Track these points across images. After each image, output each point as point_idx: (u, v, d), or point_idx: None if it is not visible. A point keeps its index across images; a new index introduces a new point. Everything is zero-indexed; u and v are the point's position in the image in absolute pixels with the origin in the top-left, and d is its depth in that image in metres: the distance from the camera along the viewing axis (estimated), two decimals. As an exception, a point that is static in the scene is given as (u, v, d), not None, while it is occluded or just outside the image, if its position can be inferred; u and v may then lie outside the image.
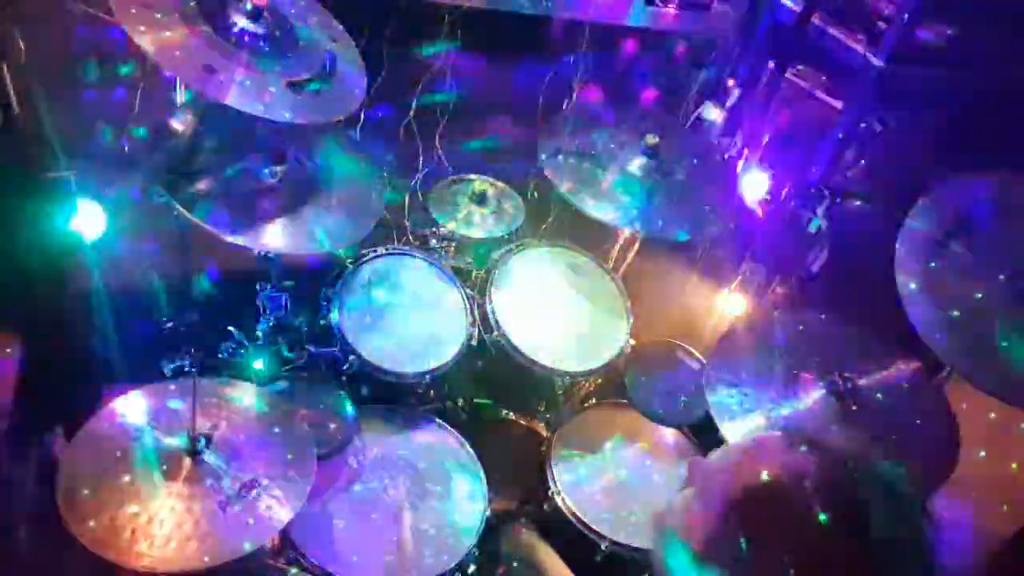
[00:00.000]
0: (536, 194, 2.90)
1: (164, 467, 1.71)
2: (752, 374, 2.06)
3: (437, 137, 3.07)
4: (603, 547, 2.24)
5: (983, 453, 2.36)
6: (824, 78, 2.81)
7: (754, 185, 2.87)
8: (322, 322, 2.36)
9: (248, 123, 1.99)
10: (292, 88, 1.97)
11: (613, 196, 2.40)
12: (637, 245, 2.79)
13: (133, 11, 1.80)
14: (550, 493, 2.34)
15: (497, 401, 2.62)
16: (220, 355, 2.49)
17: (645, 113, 3.02)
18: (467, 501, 2.24)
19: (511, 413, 2.61)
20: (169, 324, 2.59)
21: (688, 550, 0.91)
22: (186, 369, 2.44)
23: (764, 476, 0.90)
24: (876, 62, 2.56)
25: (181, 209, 1.97)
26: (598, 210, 2.36)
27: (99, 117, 2.52)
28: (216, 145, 2.11)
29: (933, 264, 1.89)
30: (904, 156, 2.75)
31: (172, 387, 1.89)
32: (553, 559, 2.20)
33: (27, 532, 2.09)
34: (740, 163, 2.99)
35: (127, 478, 1.68)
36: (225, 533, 1.65)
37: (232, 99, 1.84)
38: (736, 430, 1.94)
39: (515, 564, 2.21)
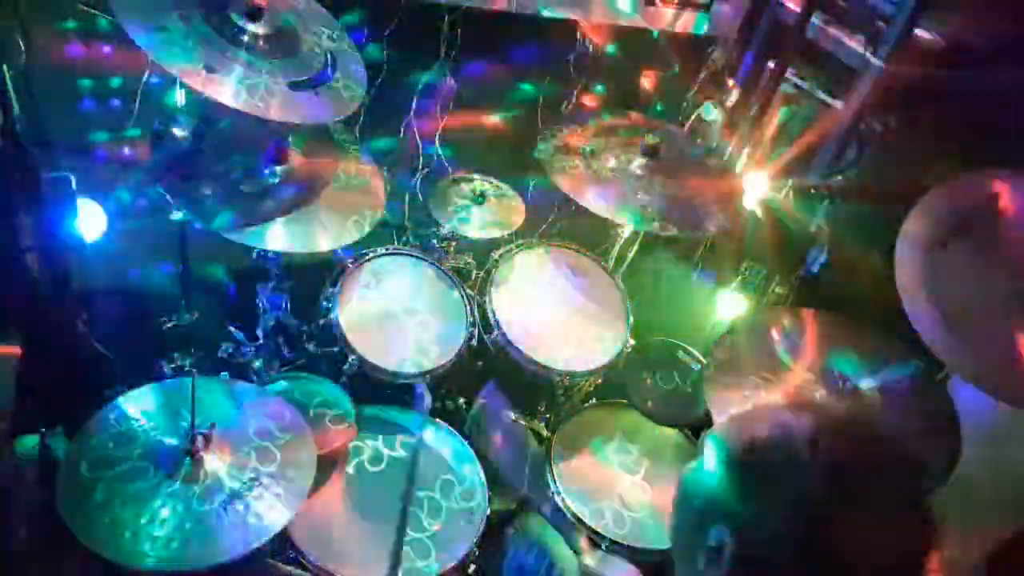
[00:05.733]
0: (536, 193, 2.90)
1: (164, 466, 1.71)
2: (752, 374, 2.06)
3: (437, 137, 3.07)
4: (603, 547, 2.24)
5: (983, 453, 2.36)
6: (824, 78, 2.81)
7: (754, 185, 2.88)
8: (322, 322, 2.36)
9: (248, 123, 1.99)
10: (292, 88, 1.97)
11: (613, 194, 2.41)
12: (637, 245, 2.79)
13: (133, 11, 1.80)
14: (550, 494, 2.34)
15: (497, 401, 2.62)
16: (220, 355, 2.49)
17: (645, 113, 3.03)
18: (467, 501, 2.24)
19: (511, 413, 2.60)
20: (169, 324, 2.59)
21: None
22: (186, 369, 2.44)
23: (760, 433, 0.98)
24: (876, 62, 2.56)
25: (182, 209, 1.98)
26: (599, 208, 2.37)
27: (99, 118, 2.53)
28: (217, 146, 2.12)
29: (933, 264, 1.89)
30: (904, 156, 2.75)
31: (171, 386, 1.89)
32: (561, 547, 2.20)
33: (27, 532, 2.08)
34: (740, 163, 2.99)
35: (127, 477, 1.68)
36: (225, 532, 1.65)
37: (232, 99, 1.84)
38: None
39: (524, 552, 2.22)
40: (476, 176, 2.74)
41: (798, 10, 2.74)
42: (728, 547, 0.94)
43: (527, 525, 2.33)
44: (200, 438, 1.72)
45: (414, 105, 2.98)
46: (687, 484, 1.05)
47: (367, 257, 2.49)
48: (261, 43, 2.00)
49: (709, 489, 1.00)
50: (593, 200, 2.38)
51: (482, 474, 2.30)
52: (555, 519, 2.17)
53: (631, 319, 2.60)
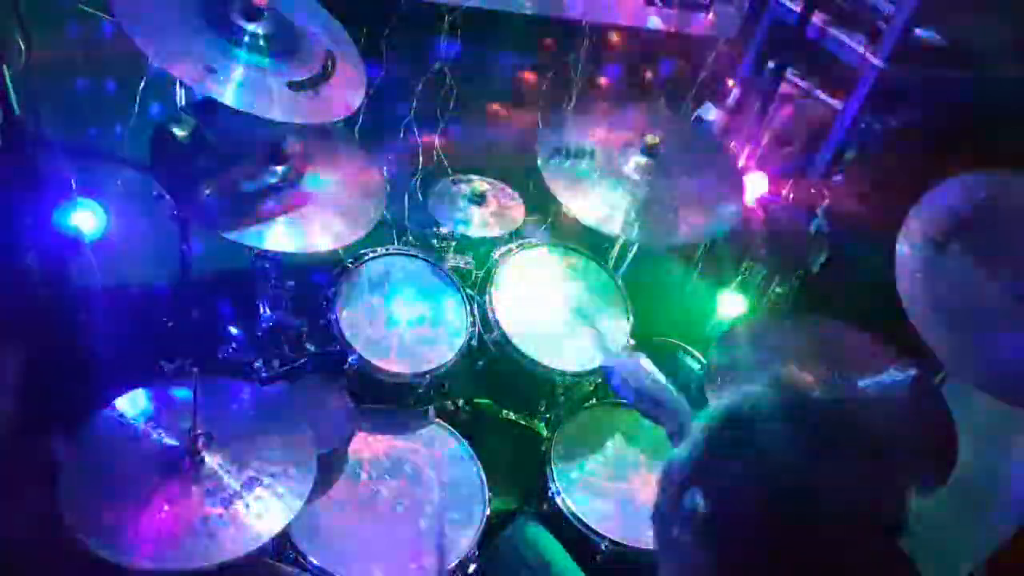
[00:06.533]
0: (536, 194, 2.90)
1: (165, 466, 1.71)
2: (751, 374, 2.06)
3: (437, 137, 3.07)
4: (603, 547, 2.24)
5: (983, 453, 2.36)
6: (824, 78, 2.81)
7: (754, 185, 2.88)
8: (322, 322, 2.36)
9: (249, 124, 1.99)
10: (292, 88, 1.97)
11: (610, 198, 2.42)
12: (637, 245, 2.79)
13: (133, 11, 1.80)
14: (550, 493, 2.34)
15: (497, 401, 2.61)
16: (220, 355, 2.48)
17: (645, 113, 3.02)
18: (467, 501, 2.24)
19: (511, 413, 2.60)
20: (169, 324, 2.59)
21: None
22: (186, 369, 2.44)
23: (738, 403, 1.02)
24: (876, 62, 2.57)
25: (182, 209, 1.98)
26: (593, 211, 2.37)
27: (100, 118, 2.53)
28: (217, 145, 2.11)
29: (933, 264, 1.89)
30: (904, 156, 2.75)
31: (173, 385, 1.89)
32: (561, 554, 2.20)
33: (27, 532, 2.09)
34: (740, 163, 3.00)
35: (128, 477, 1.68)
36: (226, 532, 1.65)
37: (232, 99, 1.84)
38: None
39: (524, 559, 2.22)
40: (476, 176, 2.74)
41: (798, 10, 2.74)
42: (700, 509, 0.96)
43: (526, 526, 2.33)
44: (201, 438, 1.72)
45: (414, 105, 2.98)
46: (670, 462, 1.08)
47: (366, 257, 2.49)
48: (261, 42, 2.00)
49: (687, 459, 1.03)
50: (586, 207, 2.40)
51: (482, 474, 2.30)
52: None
53: (631, 319, 2.60)
